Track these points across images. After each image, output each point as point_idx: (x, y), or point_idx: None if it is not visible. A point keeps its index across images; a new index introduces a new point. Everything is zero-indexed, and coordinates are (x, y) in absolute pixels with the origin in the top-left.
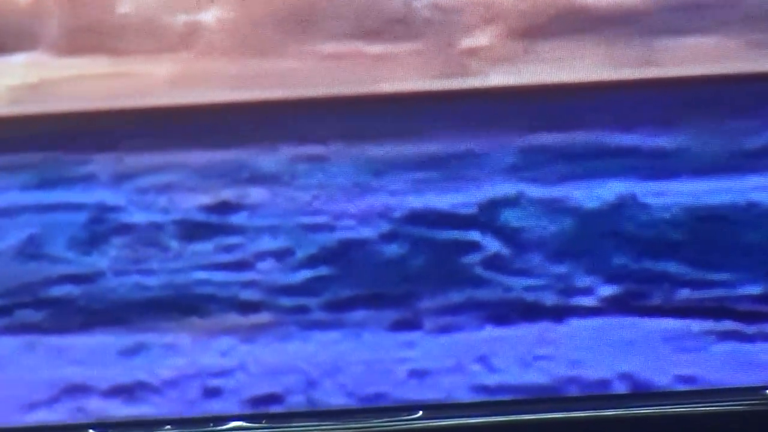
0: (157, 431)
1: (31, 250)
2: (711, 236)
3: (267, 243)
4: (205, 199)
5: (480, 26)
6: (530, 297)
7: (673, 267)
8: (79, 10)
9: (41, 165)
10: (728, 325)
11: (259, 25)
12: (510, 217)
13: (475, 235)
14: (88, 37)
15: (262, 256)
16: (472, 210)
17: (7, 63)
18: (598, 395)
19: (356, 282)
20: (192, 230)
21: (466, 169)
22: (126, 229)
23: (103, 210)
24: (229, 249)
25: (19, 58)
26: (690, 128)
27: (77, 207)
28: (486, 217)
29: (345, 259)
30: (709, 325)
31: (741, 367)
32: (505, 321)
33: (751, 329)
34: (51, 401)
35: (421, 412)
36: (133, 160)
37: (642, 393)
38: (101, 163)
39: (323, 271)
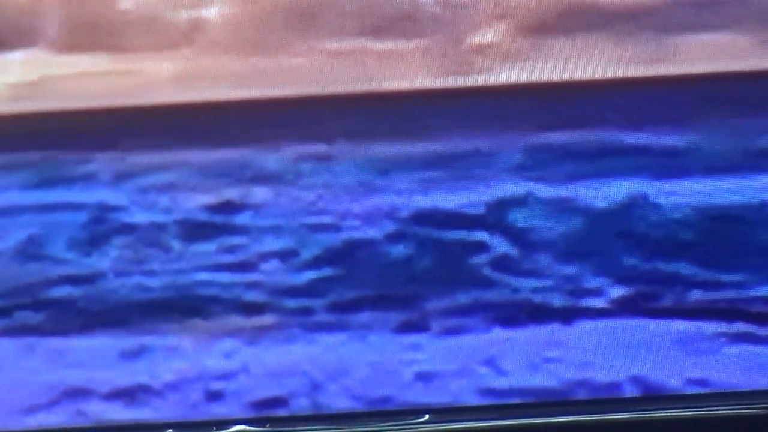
0: None
1: (30, 251)
2: (723, 236)
3: (271, 243)
4: (208, 199)
5: (488, 23)
6: (539, 298)
7: (684, 268)
8: (79, 6)
9: (41, 164)
10: (741, 327)
11: (262, 22)
12: (518, 217)
13: (482, 236)
14: (88, 34)
15: (265, 256)
16: (480, 210)
17: (6, 60)
18: (608, 399)
19: (361, 283)
20: (194, 230)
21: (474, 168)
22: (127, 229)
23: (103, 210)
24: (232, 249)
25: (17, 55)
26: (702, 126)
27: (77, 207)
28: (494, 217)
29: (350, 259)
30: (721, 327)
31: (754, 370)
32: (513, 323)
33: (764, 331)
34: (51, 404)
35: (427, 416)
36: (135, 159)
37: (653, 396)
38: (102, 162)
39: (328, 271)
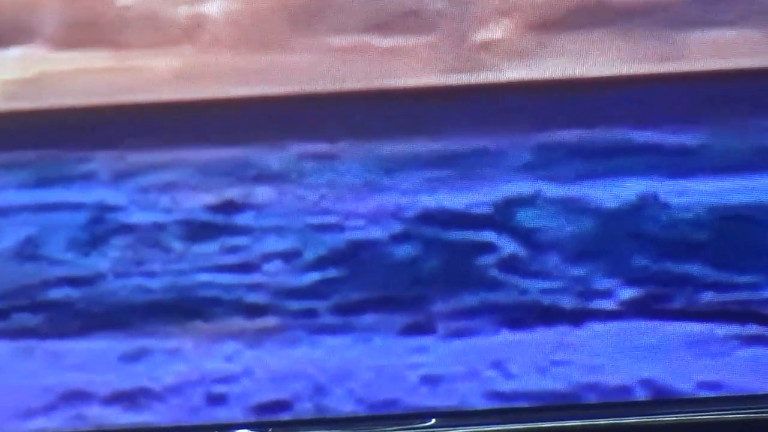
0: None
1: (28, 252)
2: (735, 237)
3: (273, 244)
4: (210, 199)
5: (494, 19)
6: (547, 300)
7: (696, 269)
8: (78, 2)
9: (39, 163)
10: (753, 329)
11: (265, 18)
12: (526, 217)
13: (489, 236)
14: (87, 30)
15: (268, 257)
16: (487, 210)
17: (3, 56)
18: (618, 402)
19: (366, 284)
20: (196, 231)
21: (481, 167)
22: (127, 229)
23: (103, 210)
24: (234, 250)
25: (15, 52)
26: (713, 125)
27: (76, 206)
28: (501, 217)
29: (355, 260)
30: (733, 329)
31: (767, 373)
32: (521, 325)
33: None
34: (49, 408)
35: (433, 420)
36: (135, 158)
37: (664, 400)
38: (101, 161)
39: (332, 273)
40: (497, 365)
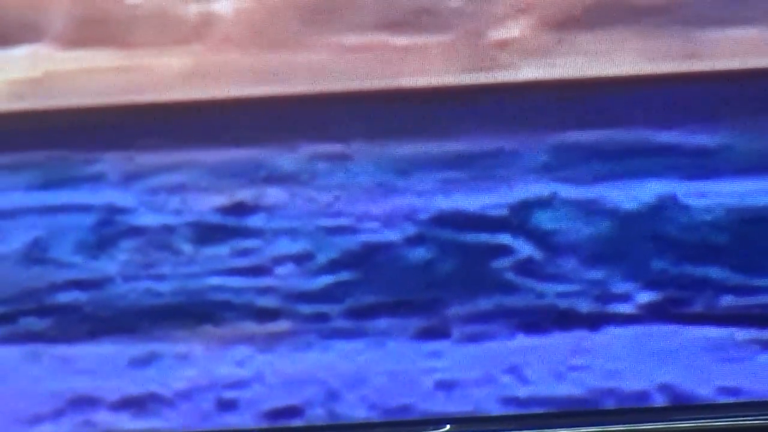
0: None
1: (35, 254)
2: (756, 239)
3: (285, 246)
4: (220, 200)
5: (511, 16)
6: (564, 304)
7: (715, 272)
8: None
9: (46, 164)
10: None
11: (277, 16)
12: (543, 219)
13: (505, 239)
14: (95, 28)
15: (280, 260)
16: (503, 212)
17: (10, 55)
18: (637, 408)
19: (380, 288)
20: (206, 233)
21: (497, 169)
22: (136, 231)
23: (112, 212)
24: (245, 253)
25: (21, 51)
26: (734, 125)
27: (84, 208)
28: (517, 220)
29: (368, 263)
30: (754, 333)
31: None
32: (537, 329)
33: None
34: (56, 414)
35: (448, 426)
36: (144, 159)
37: (683, 406)
38: (110, 162)
39: (345, 276)
40: (513, 370)
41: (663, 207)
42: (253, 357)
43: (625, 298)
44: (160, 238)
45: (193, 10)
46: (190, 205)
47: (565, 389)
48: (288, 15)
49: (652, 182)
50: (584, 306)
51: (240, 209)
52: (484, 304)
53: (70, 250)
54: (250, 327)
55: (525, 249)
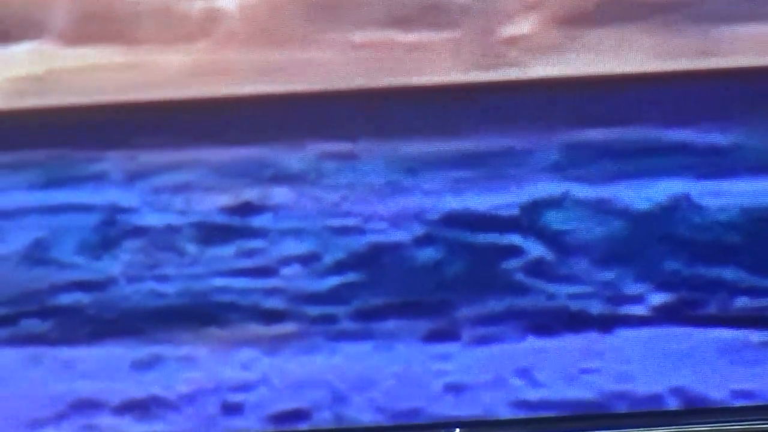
0: None
1: (37, 255)
2: None
3: (292, 247)
4: (225, 200)
5: (521, 13)
6: (576, 305)
7: (730, 273)
8: None
9: (48, 163)
10: None
11: (283, 12)
12: (554, 219)
13: (516, 239)
14: (98, 25)
15: (286, 261)
16: (513, 211)
17: (11, 52)
18: (649, 412)
19: (388, 289)
20: (211, 233)
21: (507, 168)
22: (140, 232)
23: (114, 211)
24: (250, 253)
25: (23, 47)
26: (748, 123)
27: (87, 208)
28: (528, 220)
29: (376, 264)
30: None
31: None
32: (548, 331)
33: None
34: (58, 418)
35: (458, 430)
36: (148, 158)
37: (696, 409)
38: (113, 161)
39: (352, 277)
40: (524, 373)
41: (676, 207)
42: (259, 359)
43: (637, 299)
44: (164, 239)
45: (198, 6)
46: (194, 204)
47: (576, 392)
48: (294, 11)
49: (664, 181)
50: (596, 308)
51: (245, 209)
52: (494, 305)
53: (72, 251)
54: (256, 329)
55: (536, 249)
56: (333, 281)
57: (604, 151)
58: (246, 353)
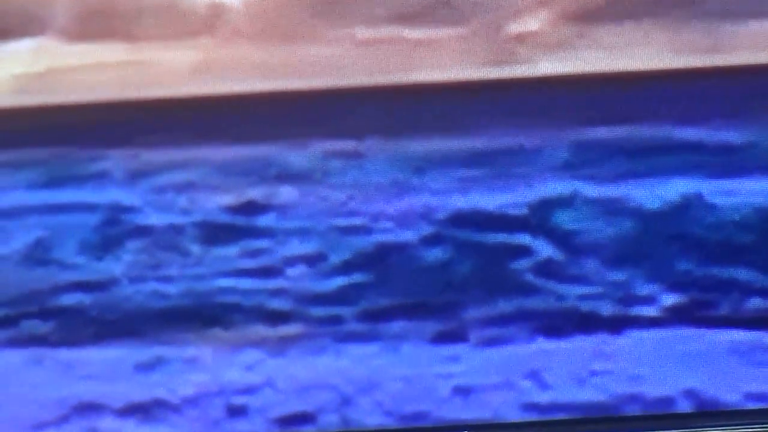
0: None
1: (38, 255)
2: None
3: (297, 247)
4: (229, 199)
5: (530, 9)
6: (586, 306)
7: (742, 273)
8: None
9: (49, 161)
10: None
11: (288, 8)
12: (564, 219)
13: (525, 239)
14: (100, 22)
15: (291, 261)
16: (522, 211)
17: (13, 49)
18: (661, 414)
19: (395, 290)
20: (215, 233)
21: (516, 166)
22: (142, 231)
23: (117, 211)
24: (255, 254)
25: (25, 44)
26: (760, 121)
27: (89, 207)
28: (537, 219)
29: (383, 264)
30: None
31: None
32: (558, 333)
33: None
34: (60, 420)
35: None
36: (150, 156)
37: (708, 412)
38: (115, 160)
39: (358, 277)
40: (533, 375)
41: (688, 206)
42: (264, 361)
43: (648, 300)
44: (167, 239)
45: (202, 1)
46: (198, 204)
47: (586, 395)
48: (299, 7)
49: (676, 180)
50: (606, 309)
51: (250, 208)
52: (503, 306)
53: (73, 251)
54: (261, 330)
55: (545, 249)
56: (339, 282)
57: (614, 149)
58: (251, 355)
